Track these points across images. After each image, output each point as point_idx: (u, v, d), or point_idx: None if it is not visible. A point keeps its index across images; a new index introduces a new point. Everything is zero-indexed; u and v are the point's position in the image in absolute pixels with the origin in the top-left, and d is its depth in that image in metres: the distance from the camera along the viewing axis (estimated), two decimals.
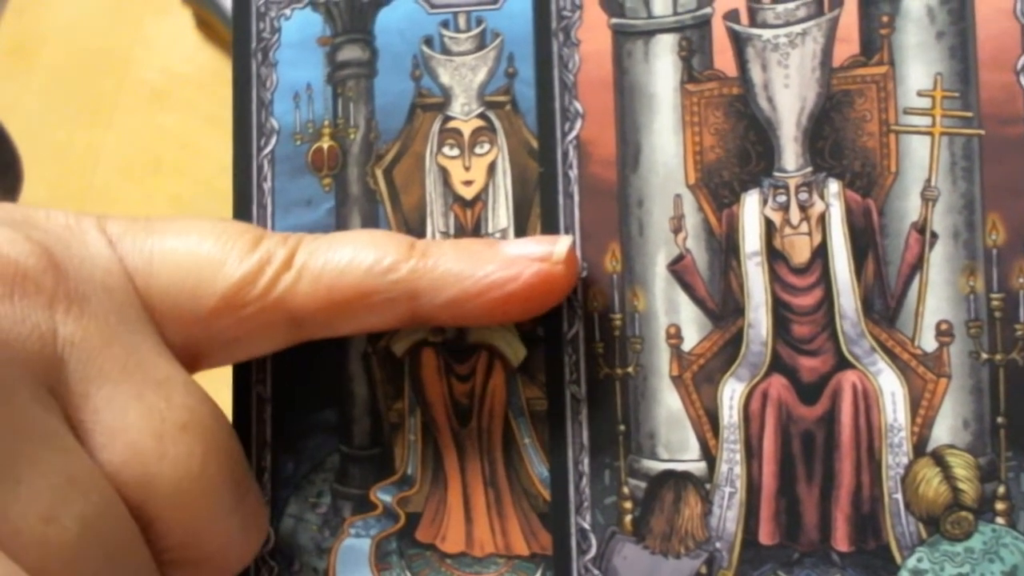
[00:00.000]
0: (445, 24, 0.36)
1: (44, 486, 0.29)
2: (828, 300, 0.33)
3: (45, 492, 0.29)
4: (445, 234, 0.36)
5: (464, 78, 0.36)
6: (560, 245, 0.33)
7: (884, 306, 0.32)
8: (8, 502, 0.28)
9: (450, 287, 0.33)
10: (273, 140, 0.37)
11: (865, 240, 0.32)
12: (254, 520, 0.34)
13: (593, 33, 0.35)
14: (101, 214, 0.34)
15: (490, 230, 0.36)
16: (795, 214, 0.33)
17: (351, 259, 0.33)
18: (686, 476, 0.34)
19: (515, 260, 0.33)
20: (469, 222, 0.36)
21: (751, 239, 0.33)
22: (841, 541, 0.32)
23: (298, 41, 0.37)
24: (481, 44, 0.36)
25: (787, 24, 0.33)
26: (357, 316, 0.34)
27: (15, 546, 0.28)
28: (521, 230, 0.35)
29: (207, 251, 0.33)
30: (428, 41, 0.36)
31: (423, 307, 0.33)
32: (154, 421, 0.31)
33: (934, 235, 0.32)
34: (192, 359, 0.34)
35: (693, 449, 0.34)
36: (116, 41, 0.57)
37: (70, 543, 0.29)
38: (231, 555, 0.33)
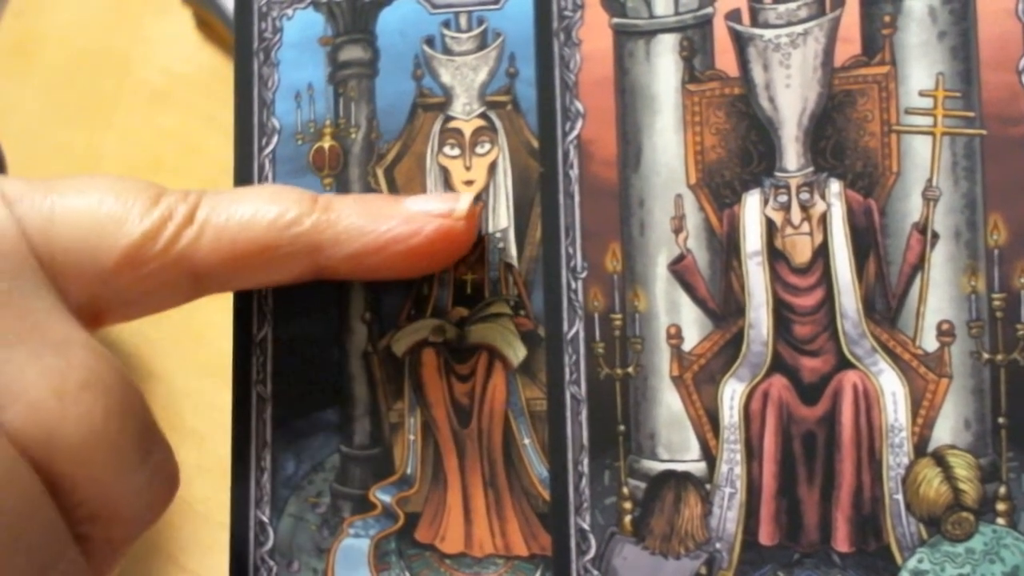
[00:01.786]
0: (446, 24, 0.36)
1: None
2: (829, 300, 0.33)
3: None
4: None
5: (465, 78, 0.36)
6: (461, 202, 0.34)
7: (885, 306, 0.32)
8: None
9: (352, 241, 0.33)
10: (275, 140, 0.37)
11: (866, 240, 0.32)
12: (162, 474, 0.33)
13: (594, 33, 0.35)
14: None
15: (491, 230, 0.36)
16: (796, 214, 0.33)
17: (253, 213, 0.33)
18: (686, 476, 0.34)
19: (416, 216, 0.34)
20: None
21: (752, 239, 0.33)
22: (842, 542, 0.32)
23: (300, 41, 0.37)
24: (482, 44, 0.36)
25: (789, 24, 0.33)
26: (260, 270, 0.34)
27: None
28: (521, 230, 0.35)
29: (108, 209, 0.33)
30: (429, 41, 0.36)
31: (326, 261, 0.34)
32: (55, 380, 0.30)
33: (935, 235, 0.32)
34: (95, 317, 0.34)
35: (693, 449, 0.34)
36: (116, 41, 0.57)
37: None
38: (140, 511, 0.33)
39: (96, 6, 0.57)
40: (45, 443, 0.30)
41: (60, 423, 0.30)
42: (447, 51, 0.36)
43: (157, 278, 0.33)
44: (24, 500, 0.30)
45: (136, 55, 0.57)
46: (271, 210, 0.33)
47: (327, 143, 0.37)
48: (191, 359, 0.52)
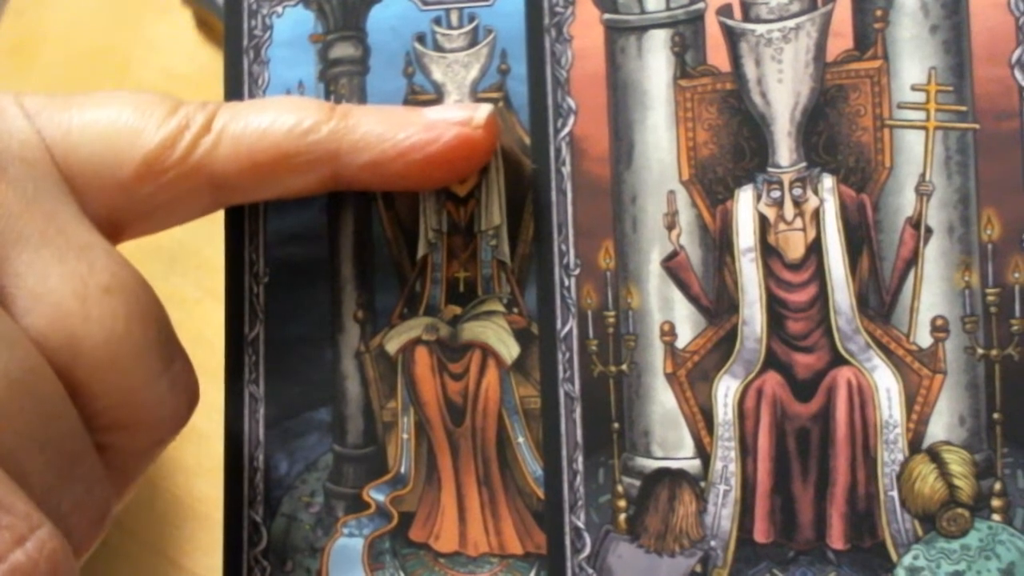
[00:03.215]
0: (437, 21, 0.36)
1: None
2: (823, 296, 0.32)
3: None
4: (438, 232, 0.36)
5: (457, 75, 0.36)
6: (480, 111, 0.34)
7: (879, 302, 0.32)
8: None
9: (371, 148, 0.33)
10: None
11: (859, 235, 0.32)
12: (183, 383, 0.33)
13: (585, 29, 0.34)
14: (18, 92, 0.35)
15: (483, 227, 0.35)
16: (789, 210, 0.33)
17: (271, 122, 0.33)
18: (681, 474, 0.34)
19: (436, 123, 0.34)
20: (462, 219, 0.36)
21: (745, 235, 0.33)
22: (837, 539, 0.32)
23: (290, 38, 0.37)
24: (473, 41, 0.36)
25: (780, 19, 0.33)
26: (278, 179, 0.34)
27: None
28: (514, 227, 0.35)
29: (126, 120, 0.33)
30: (420, 38, 0.36)
31: (344, 169, 0.34)
32: (77, 284, 0.31)
33: (929, 230, 0.32)
34: (115, 229, 0.34)
35: (687, 447, 0.34)
36: (116, 41, 0.57)
37: (0, 401, 0.29)
38: (161, 418, 0.33)
39: (96, 6, 0.57)
40: (67, 346, 0.30)
41: (82, 326, 0.30)
42: (438, 48, 0.36)
43: (176, 188, 0.33)
44: (46, 403, 0.30)
45: (136, 55, 0.56)
46: (289, 118, 0.33)
47: None
48: (190, 359, 0.52)
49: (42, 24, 0.58)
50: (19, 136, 0.33)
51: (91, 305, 0.30)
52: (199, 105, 0.34)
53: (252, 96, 0.37)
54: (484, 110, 0.34)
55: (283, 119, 0.33)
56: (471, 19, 0.36)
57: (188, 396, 0.33)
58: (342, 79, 0.36)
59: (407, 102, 0.36)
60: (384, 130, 0.33)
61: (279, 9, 0.37)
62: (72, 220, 0.32)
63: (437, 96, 0.36)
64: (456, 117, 0.34)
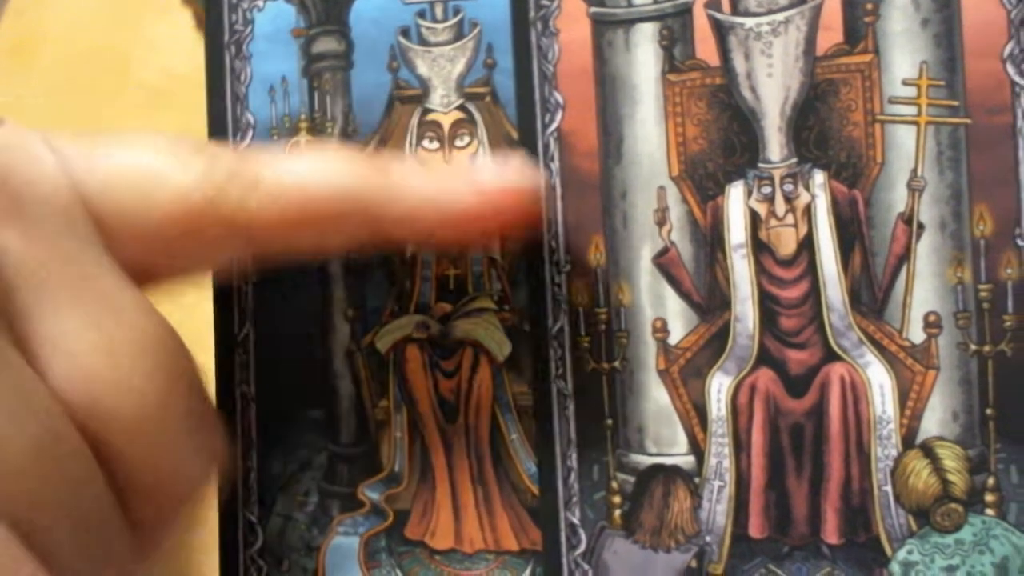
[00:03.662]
0: (422, 14, 0.35)
1: None
2: (815, 292, 0.32)
3: None
4: None
5: (443, 69, 0.35)
6: (533, 175, 0.33)
7: (871, 298, 0.32)
8: None
9: (416, 211, 0.32)
10: (249, 135, 0.36)
11: (851, 231, 0.32)
12: (211, 445, 0.32)
13: (572, 22, 0.34)
14: (44, 130, 0.33)
15: None
16: (780, 205, 0.33)
17: (309, 175, 0.32)
18: (675, 470, 0.34)
19: (484, 184, 0.32)
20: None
21: (736, 231, 0.33)
22: (831, 534, 0.32)
23: (272, 33, 0.36)
24: (459, 34, 0.35)
25: (769, 12, 0.32)
26: (315, 233, 0.32)
27: None
28: None
29: (160, 164, 0.32)
30: (405, 32, 0.35)
31: (385, 228, 0.32)
32: (106, 343, 0.29)
33: (921, 226, 0.32)
34: (144, 275, 0.32)
35: (681, 443, 0.34)
36: (116, 41, 0.56)
37: (24, 468, 0.27)
38: (188, 482, 0.31)
39: (96, 6, 0.56)
40: (95, 409, 0.29)
41: (112, 388, 0.29)
42: (423, 42, 0.35)
43: (207, 236, 0.32)
44: (73, 469, 0.28)
45: (136, 55, 0.56)
46: (329, 173, 0.32)
47: (303, 137, 0.36)
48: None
49: (42, 24, 0.58)
50: (48, 179, 0.31)
51: (120, 364, 0.29)
52: (234, 153, 0.32)
53: (235, 92, 0.36)
54: (537, 175, 0.33)
55: (322, 173, 0.32)
56: (456, 12, 0.35)
57: (215, 458, 0.32)
58: (326, 74, 0.36)
59: (393, 97, 0.35)
60: (432, 194, 0.32)
61: (260, 3, 0.36)
62: (101, 269, 0.30)
63: (423, 91, 0.35)
64: (505, 181, 0.32)
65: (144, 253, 0.32)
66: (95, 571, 0.28)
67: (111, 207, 0.31)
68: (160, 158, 0.32)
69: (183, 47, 0.55)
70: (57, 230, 0.30)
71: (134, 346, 0.29)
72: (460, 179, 0.32)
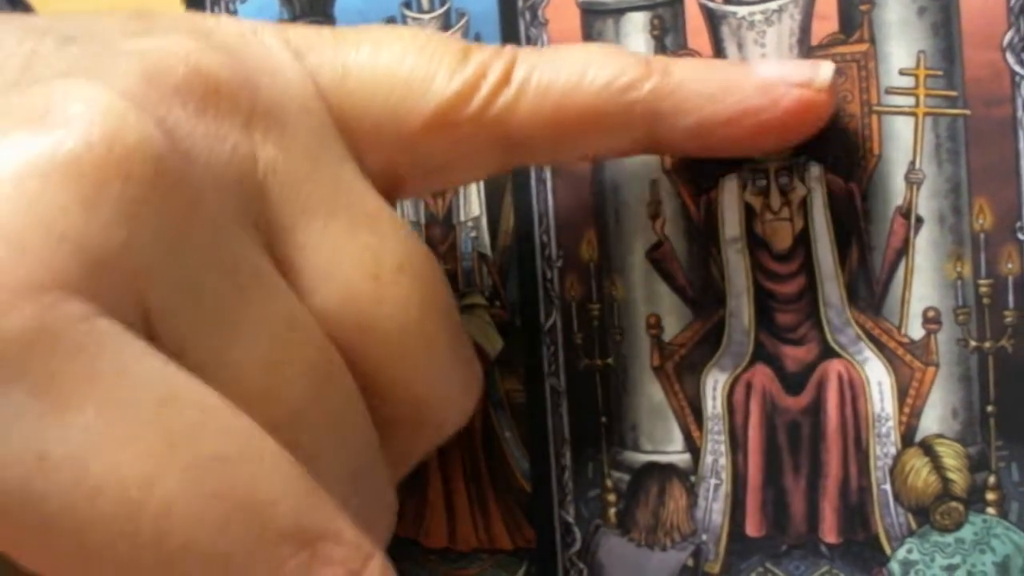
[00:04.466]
0: (407, 5, 0.35)
1: (264, 332, 0.25)
2: (811, 287, 0.32)
3: (264, 338, 0.25)
4: (415, 223, 0.35)
5: None
6: (824, 70, 0.30)
7: (869, 293, 0.31)
8: (227, 347, 0.25)
9: (697, 111, 0.29)
10: None
11: (848, 225, 0.31)
12: (472, 374, 0.30)
13: (561, 12, 0.33)
14: (276, 23, 0.31)
15: (462, 219, 0.35)
16: (776, 199, 0.32)
17: (582, 75, 0.29)
18: (670, 468, 0.33)
19: (772, 85, 0.29)
20: (440, 210, 0.35)
21: (731, 225, 0.32)
22: (829, 532, 0.32)
23: None
24: (446, 24, 0.34)
25: (763, 1, 0.32)
26: (585, 140, 0.30)
27: (237, 398, 0.24)
28: (494, 219, 0.34)
29: (411, 65, 0.29)
30: (391, 22, 0.35)
31: (663, 132, 0.30)
32: (368, 261, 0.27)
33: (919, 219, 0.31)
34: (391, 187, 0.30)
35: (677, 440, 0.33)
36: None
37: (294, 396, 0.26)
38: (450, 413, 0.30)
39: (96, 6, 0.55)
40: (358, 331, 0.27)
41: (375, 310, 0.27)
42: None
43: (466, 145, 0.29)
44: (341, 398, 0.27)
45: None
46: (603, 72, 0.29)
47: None
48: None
49: None
50: (293, 80, 0.28)
51: (384, 286, 0.27)
52: (495, 51, 0.29)
53: None
54: (827, 69, 0.30)
55: (596, 73, 0.29)
56: (442, 2, 0.34)
57: (476, 388, 0.31)
58: None
59: None
60: (713, 91, 0.29)
61: None
62: (357, 184, 0.28)
63: None
64: (796, 77, 0.29)
65: (394, 162, 0.29)
66: (363, 508, 0.27)
67: (360, 113, 0.29)
68: (413, 57, 0.29)
69: None
70: (310, 139, 0.28)
71: (396, 267, 0.28)
72: (741, 73, 0.30)
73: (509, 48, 0.30)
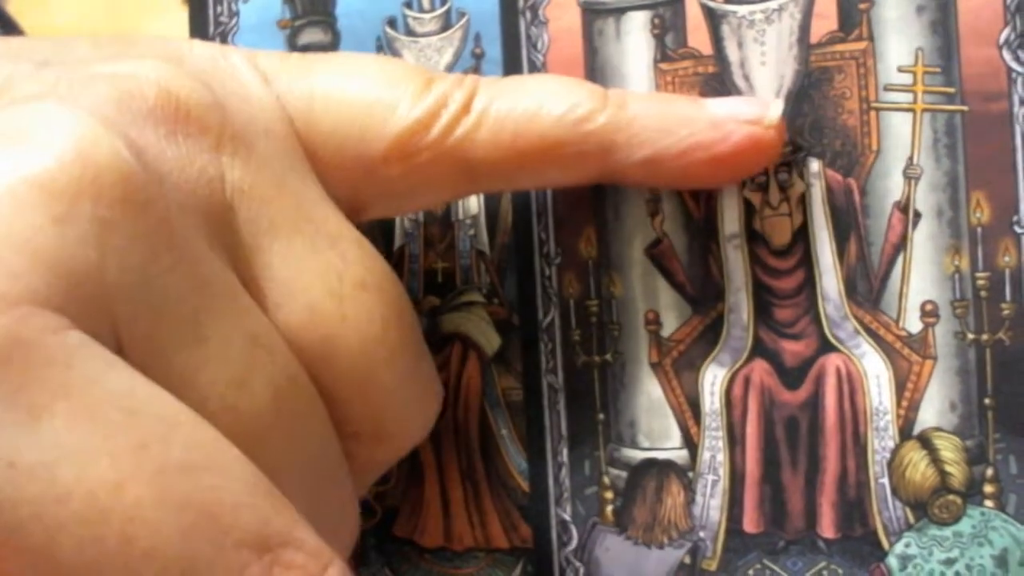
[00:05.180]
0: (408, 4, 0.35)
1: (231, 348, 0.26)
2: (810, 282, 0.32)
3: (231, 353, 0.26)
4: (414, 221, 0.35)
5: (430, 60, 0.35)
6: (773, 108, 0.31)
7: (867, 287, 0.32)
8: (195, 361, 0.26)
9: (649, 145, 0.30)
10: None
11: (847, 220, 0.32)
12: (431, 388, 0.31)
13: (562, 11, 0.34)
14: (247, 48, 0.32)
15: (460, 217, 0.35)
16: (775, 194, 0.32)
17: (539, 105, 0.30)
18: (668, 464, 0.33)
19: (722, 121, 0.30)
20: (438, 210, 0.35)
21: (730, 221, 0.32)
22: (827, 528, 0.32)
23: (257, 24, 0.36)
24: (446, 24, 0.35)
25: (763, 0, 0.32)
26: (541, 169, 0.31)
27: (204, 410, 0.25)
28: (492, 216, 0.34)
29: (376, 93, 0.30)
30: (391, 22, 0.35)
31: (618, 163, 0.30)
32: (331, 279, 0.28)
33: (917, 214, 0.31)
34: (354, 212, 0.30)
35: (675, 437, 0.33)
36: None
37: (261, 411, 0.26)
38: (410, 427, 0.31)
39: (95, 6, 0.56)
40: (322, 346, 0.28)
41: (339, 325, 0.28)
42: (410, 32, 0.35)
43: (427, 171, 0.30)
44: (304, 411, 0.27)
45: None
46: (559, 103, 0.30)
47: None
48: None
49: (42, 24, 0.57)
50: (261, 104, 0.29)
51: (347, 303, 0.28)
52: (457, 80, 0.30)
53: None
54: (776, 108, 0.31)
55: (553, 104, 0.30)
56: (443, 2, 0.35)
57: (435, 403, 0.31)
58: None
59: None
60: (666, 124, 0.30)
61: None
62: (321, 205, 0.29)
63: None
64: (747, 114, 0.30)
65: (358, 187, 0.30)
66: (316, 506, 0.27)
67: (325, 138, 0.30)
68: (378, 85, 0.30)
69: None
70: (276, 161, 0.29)
71: (358, 284, 0.28)
72: (693, 109, 0.31)
73: (471, 78, 0.31)
